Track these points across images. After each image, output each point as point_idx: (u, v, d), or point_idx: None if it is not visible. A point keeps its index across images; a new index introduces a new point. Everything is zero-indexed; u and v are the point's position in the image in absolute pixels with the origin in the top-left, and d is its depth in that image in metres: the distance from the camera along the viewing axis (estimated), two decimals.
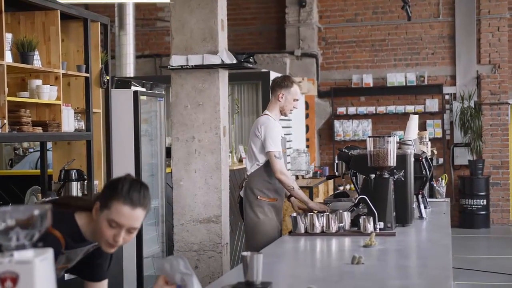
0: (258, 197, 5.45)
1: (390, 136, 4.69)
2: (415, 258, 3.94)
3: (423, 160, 5.30)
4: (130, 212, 2.71)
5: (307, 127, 12.85)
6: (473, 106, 12.91)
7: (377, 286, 3.10)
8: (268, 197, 5.47)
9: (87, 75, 5.89)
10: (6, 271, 1.83)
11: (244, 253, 2.84)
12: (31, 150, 9.09)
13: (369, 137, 4.73)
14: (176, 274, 2.54)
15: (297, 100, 5.55)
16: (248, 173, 5.54)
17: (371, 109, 13.38)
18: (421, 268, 3.58)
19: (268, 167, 5.41)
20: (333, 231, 4.47)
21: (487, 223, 12.86)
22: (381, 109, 13.35)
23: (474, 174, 12.85)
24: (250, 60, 6.16)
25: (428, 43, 13.41)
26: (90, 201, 2.91)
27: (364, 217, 4.46)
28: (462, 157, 13.13)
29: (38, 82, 5.35)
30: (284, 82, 5.55)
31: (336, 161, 5.40)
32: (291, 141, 10.77)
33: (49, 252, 1.90)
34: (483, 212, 12.81)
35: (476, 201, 12.77)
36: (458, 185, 13.13)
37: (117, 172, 6.43)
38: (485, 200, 12.79)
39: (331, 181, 11.19)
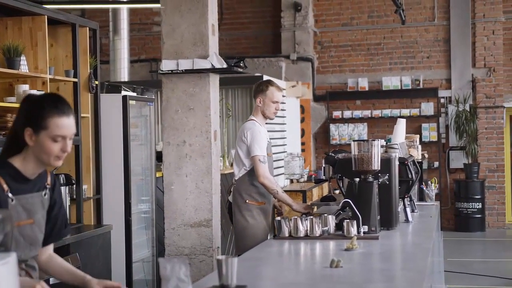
0: (247, 201, 5.49)
1: (374, 140, 4.70)
2: (394, 262, 3.94)
3: (409, 163, 5.29)
4: (68, 122, 2.88)
5: (303, 131, 12.87)
6: (468, 110, 12.91)
7: None
8: (257, 201, 5.50)
9: (76, 80, 5.91)
10: None
11: (219, 257, 2.87)
12: None
13: (354, 140, 4.74)
14: (173, 279, 2.51)
15: (277, 102, 5.56)
16: (236, 178, 5.58)
17: (367, 112, 13.39)
18: (398, 271, 3.59)
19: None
20: (317, 235, 4.48)
21: (482, 226, 12.86)
22: (377, 112, 13.36)
23: (470, 178, 12.84)
24: (241, 64, 6.17)
25: (423, 47, 13.43)
26: (13, 146, 2.93)
27: (348, 220, 4.46)
28: (458, 160, 13.13)
29: (25, 87, 5.36)
30: (260, 86, 5.60)
31: (323, 165, 5.41)
32: (286, 145, 10.78)
33: (12, 257, 1.91)
34: (479, 216, 12.81)
35: (472, 205, 12.77)
36: (453, 189, 13.13)
37: (106, 177, 6.44)
38: (480, 203, 12.79)
39: (325, 185, 11.19)
